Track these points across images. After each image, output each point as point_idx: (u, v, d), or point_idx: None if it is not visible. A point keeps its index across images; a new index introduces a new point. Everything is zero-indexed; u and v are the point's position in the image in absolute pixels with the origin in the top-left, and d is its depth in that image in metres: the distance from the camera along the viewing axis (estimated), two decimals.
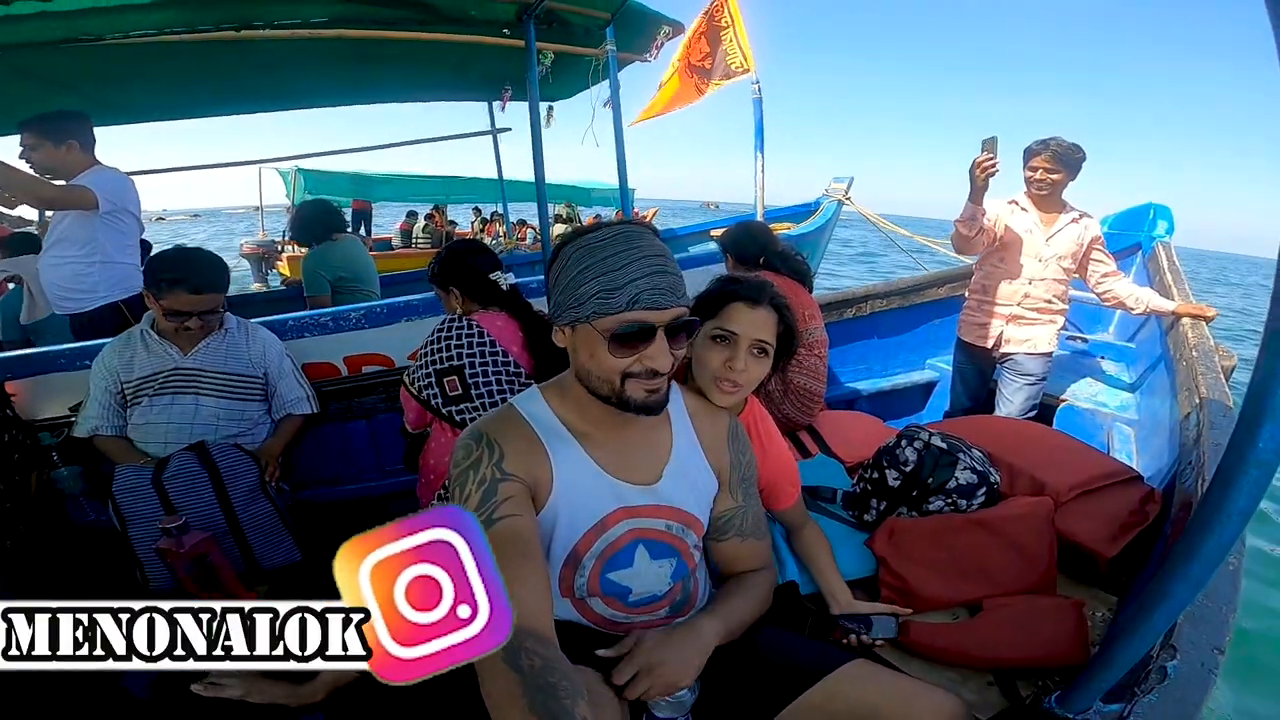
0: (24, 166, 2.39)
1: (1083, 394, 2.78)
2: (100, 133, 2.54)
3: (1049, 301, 2.56)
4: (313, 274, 3.35)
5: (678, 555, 1.11)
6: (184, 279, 1.87)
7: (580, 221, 12.63)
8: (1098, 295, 2.65)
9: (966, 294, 2.81)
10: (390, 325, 2.60)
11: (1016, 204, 2.58)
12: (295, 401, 2.15)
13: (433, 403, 1.74)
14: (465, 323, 1.78)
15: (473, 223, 12.83)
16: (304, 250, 3.53)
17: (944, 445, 1.54)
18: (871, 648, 1.23)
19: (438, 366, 1.74)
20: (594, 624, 1.12)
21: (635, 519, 1.07)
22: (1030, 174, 2.46)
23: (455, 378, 1.72)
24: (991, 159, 2.24)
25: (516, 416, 1.06)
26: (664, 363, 0.94)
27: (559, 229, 12.01)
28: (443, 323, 1.79)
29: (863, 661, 1.07)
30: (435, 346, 1.76)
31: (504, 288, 1.87)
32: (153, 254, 1.93)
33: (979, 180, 2.29)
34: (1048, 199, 2.50)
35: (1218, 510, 0.65)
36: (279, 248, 10.46)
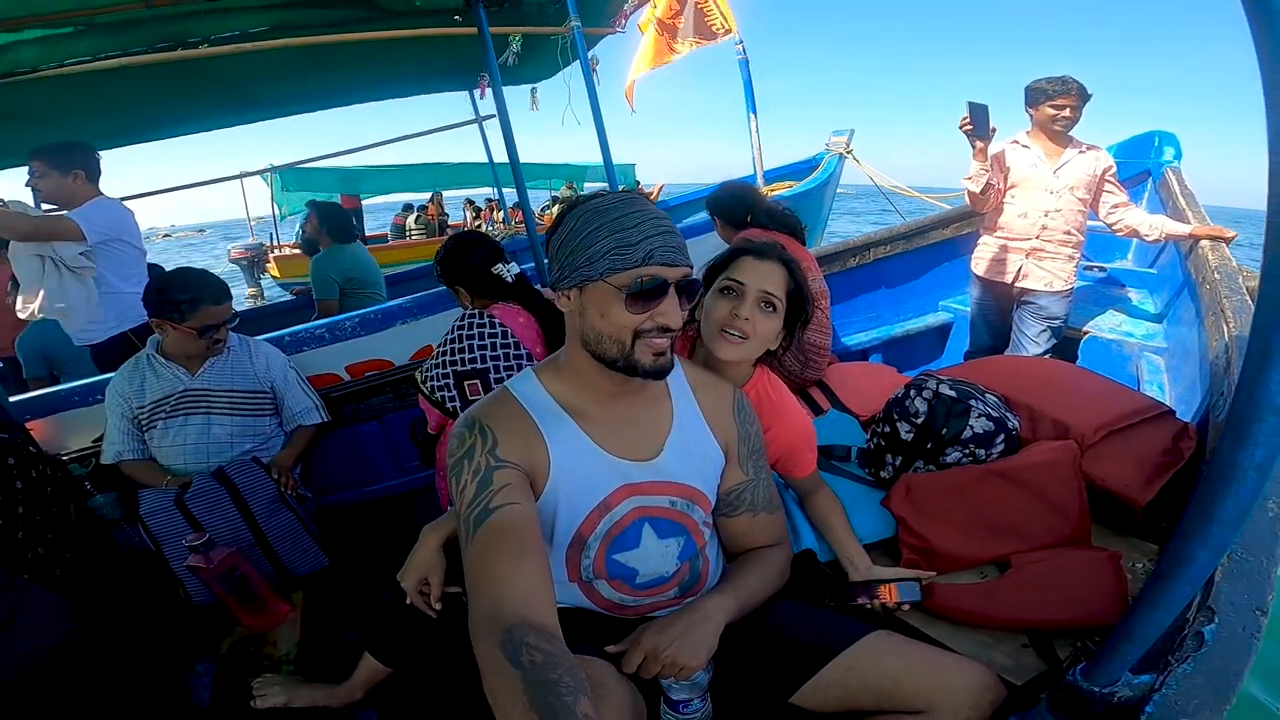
0: (29, 195, 2.49)
1: (1106, 325, 2.67)
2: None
3: (1068, 233, 2.52)
4: (323, 277, 3.39)
5: (685, 533, 1.08)
6: (201, 294, 1.89)
7: None
8: (1109, 226, 2.60)
9: (981, 231, 2.76)
10: (386, 330, 2.57)
11: (1018, 143, 2.58)
12: (304, 412, 2.17)
13: (449, 405, 1.66)
14: (488, 320, 1.68)
15: (466, 215, 12.62)
16: (293, 251, 3.55)
17: (954, 393, 1.47)
18: (895, 613, 1.18)
19: (457, 369, 1.64)
20: (602, 609, 1.09)
21: (639, 496, 1.04)
22: (1055, 112, 2.42)
23: (477, 381, 1.64)
24: (966, 120, 2.31)
25: (509, 400, 1.03)
26: (675, 319, 0.93)
27: (560, 210, 11.95)
28: (462, 319, 1.70)
29: (884, 633, 1.03)
30: (455, 345, 1.66)
31: (508, 279, 1.79)
32: (149, 284, 1.92)
33: (972, 139, 2.36)
34: (1061, 135, 2.49)
35: (1232, 464, 0.56)
36: (267, 251, 10.47)
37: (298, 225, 3.54)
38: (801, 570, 1.28)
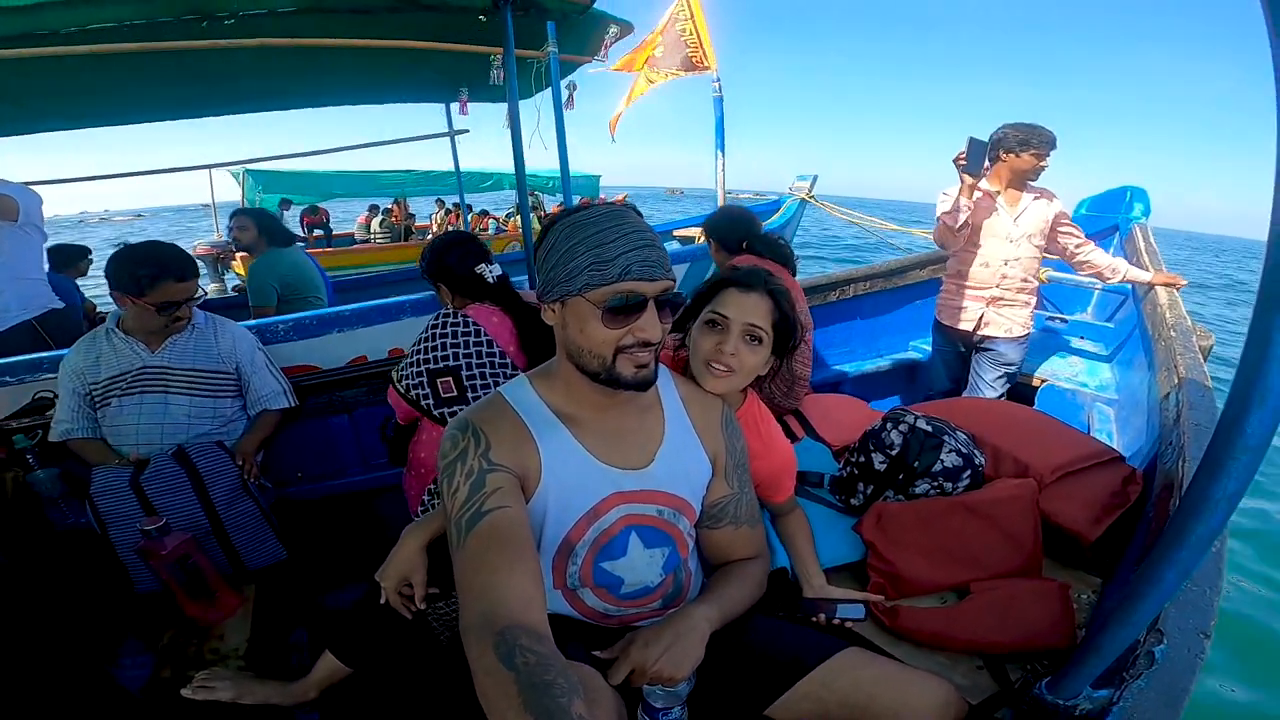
0: None
1: (1063, 374, 2.81)
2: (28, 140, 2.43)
3: (1025, 280, 2.58)
4: (260, 283, 3.23)
5: (671, 543, 1.10)
6: (166, 269, 1.83)
7: (545, 210, 12.56)
8: (1074, 266, 2.69)
9: (944, 279, 2.81)
10: (320, 337, 2.52)
11: (978, 189, 2.57)
12: (271, 396, 2.10)
13: (423, 404, 1.67)
14: (461, 319, 1.70)
15: (434, 215, 12.50)
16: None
17: (929, 428, 1.54)
18: (840, 628, 1.24)
19: (430, 366, 1.66)
20: (585, 617, 1.10)
21: (628, 504, 1.06)
22: (1035, 162, 2.42)
23: (450, 379, 1.65)
24: (962, 155, 2.29)
25: (503, 405, 1.04)
26: (654, 333, 0.94)
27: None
28: (436, 318, 1.72)
29: (856, 650, 1.07)
30: (429, 344, 1.68)
31: (489, 280, 1.81)
32: (113, 255, 1.85)
33: (963, 175, 2.33)
34: (1025, 184, 2.51)
35: (1205, 497, 0.64)
36: (232, 248, 10.28)
37: (230, 234, 3.42)
38: (772, 587, 1.33)
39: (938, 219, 2.54)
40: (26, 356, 2.32)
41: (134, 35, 2.17)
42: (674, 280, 0.97)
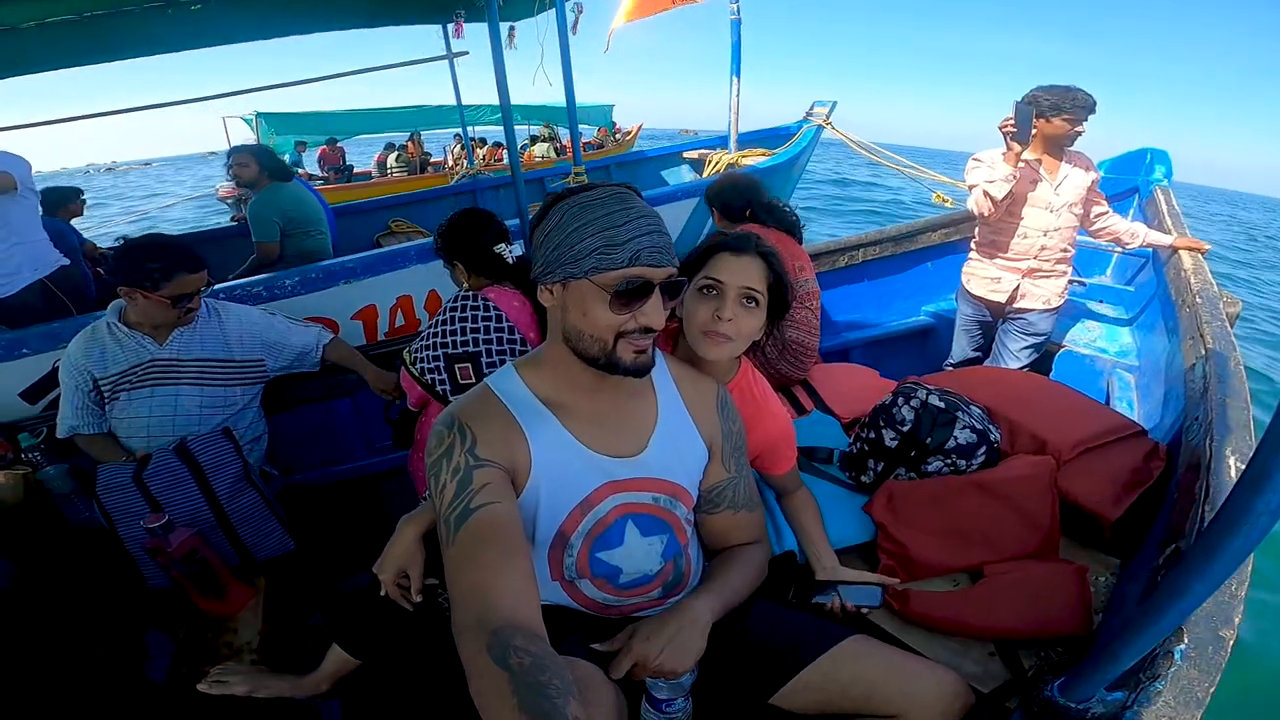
0: None
1: (1082, 339, 2.73)
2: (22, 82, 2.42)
3: (1064, 251, 2.46)
4: (261, 218, 3.23)
5: (669, 531, 1.08)
6: (178, 262, 1.80)
7: (560, 140, 12.52)
8: (1092, 233, 2.60)
9: (973, 246, 2.67)
10: (329, 289, 2.51)
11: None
12: (316, 337, 2.14)
13: (438, 389, 1.62)
14: (481, 302, 1.64)
15: (449, 147, 12.44)
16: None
17: (942, 404, 1.49)
18: (855, 614, 1.21)
19: (449, 351, 1.60)
20: (584, 608, 1.09)
21: (622, 493, 1.04)
22: (1071, 127, 2.25)
23: (469, 365, 1.60)
24: (1010, 120, 2.19)
25: (489, 396, 1.02)
26: (658, 320, 0.93)
27: (540, 148, 12.02)
28: (454, 299, 1.66)
29: (860, 638, 1.05)
30: (447, 328, 1.62)
31: (509, 260, 1.74)
32: (119, 250, 1.83)
33: (1010, 142, 2.23)
34: (1063, 150, 2.37)
35: (1247, 509, 0.57)
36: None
37: (229, 171, 3.41)
38: (779, 571, 1.29)
39: (970, 188, 2.41)
40: (43, 326, 2.35)
41: None
42: (677, 267, 0.95)
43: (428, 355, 1.63)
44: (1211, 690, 0.75)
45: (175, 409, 1.88)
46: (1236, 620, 0.84)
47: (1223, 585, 0.89)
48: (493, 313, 1.63)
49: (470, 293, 1.67)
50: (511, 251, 1.76)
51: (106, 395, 1.86)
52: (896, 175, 4.82)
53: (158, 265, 1.77)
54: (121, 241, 1.86)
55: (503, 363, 1.59)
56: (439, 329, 1.63)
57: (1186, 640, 0.80)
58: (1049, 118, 2.25)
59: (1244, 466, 1.15)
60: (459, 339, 1.60)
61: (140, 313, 1.85)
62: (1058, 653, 1.08)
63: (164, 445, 1.77)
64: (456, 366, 1.60)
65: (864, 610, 1.22)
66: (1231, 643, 0.81)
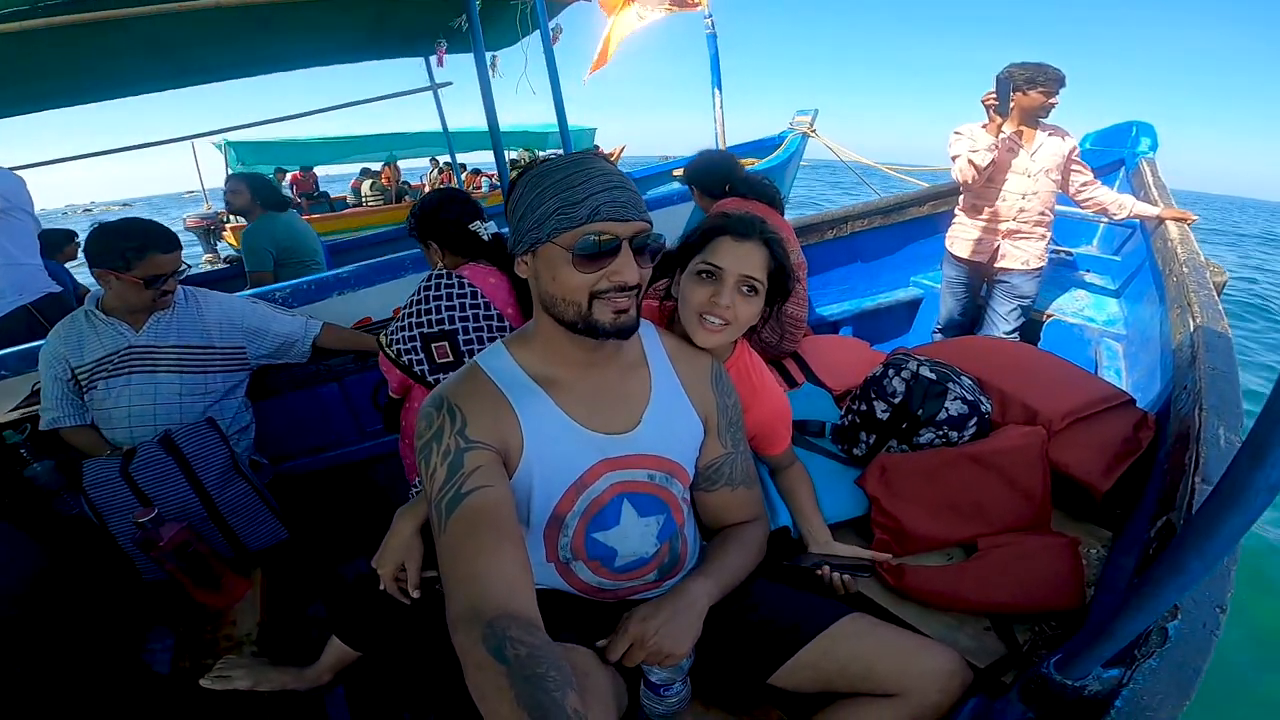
0: None
1: (1069, 308, 2.75)
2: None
3: (1042, 214, 2.62)
4: (255, 248, 3.19)
5: (665, 510, 1.06)
6: (151, 242, 1.75)
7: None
8: (1079, 203, 2.70)
9: (957, 211, 2.82)
10: (322, 301, 2.47)
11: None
12: (304, 326, 2.11)
13: (416, 369, 1.58)
14: (456, 280, 1.59)
15: (427, 174, 12.42)
16: (240, 222, 3.36)
17: (933, 375, 1.48)
18: (852, 591, 1.20)
19: (424, 330, 1.56)
20: (579, 591, 1.08)
21: (617, 471, 1.02)
22: (1044, 99, 2.45)
23: (445, 343, 1.55)
24: (991, 94, 2.42)
25: (478, 375, 0.99)
26: (630, 275, 0.88)
27: None
28: (429, 279, 1.61)
29: (858, 616, 1.05)
30: (421, 307, 1.57)
31: (484, 237, 1.70)
32: (93, 232, 1.77)
33: (993, 114, 2.45)
34: (1037, 120, 2.56)
35: (1246, 484, 0.56)
36: (223, 219, 10.17)
37: (224, 197, 3.38)
38: (773, 546, 1.29)
39: (954, 159, 2.59)
40: (21, 347, 2.27)
41: (81, 6, 1.97)
42: (649, 223, 0.91)
43: (403, 336, 1.59)
44: (1205, 666, 0.76)
45: (154, 397, 1.83)
46: (1228, 596, 0.84)
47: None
48: (468, 289, 1.59)
49: (445, 271, 1.63)
50: (487, 229, 1.71)
51: (84, 384, 1.82)
52: (872, 192, 4.75)
53: (130, 245, 1.72)
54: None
55: (480, 339, 1.56)
56: (414, 309, 1.59)
57: (1181, 618, 0.80)
58: (1025, 90, 2.45)
59: (1233, 436, 1.16)
60: (434, 317, 1.56)
61: (116, 297, 1.80)
62: (1051, 626, 1.09)
63: (147, 436, 1.73)
64: (433, 345, 1.56)
65: (855, 579, 1.20)
66: (1224, 620, 0.81)
